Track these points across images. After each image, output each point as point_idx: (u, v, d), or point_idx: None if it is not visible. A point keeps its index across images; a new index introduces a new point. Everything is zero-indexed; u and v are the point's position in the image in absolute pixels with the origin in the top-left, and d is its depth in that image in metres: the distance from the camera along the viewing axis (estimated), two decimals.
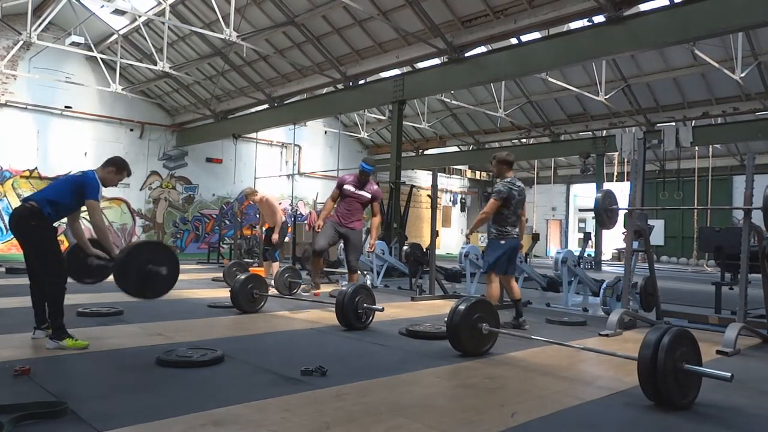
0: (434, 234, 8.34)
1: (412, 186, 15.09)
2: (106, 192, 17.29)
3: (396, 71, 13.27)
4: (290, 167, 21.36)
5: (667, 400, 3.09)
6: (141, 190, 18.20)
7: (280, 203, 20.99)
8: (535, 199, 26.39)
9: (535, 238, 12.45)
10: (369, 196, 6.68)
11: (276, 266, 8.96)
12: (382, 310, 5.53)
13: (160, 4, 12.65)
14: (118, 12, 13.37)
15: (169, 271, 4.32)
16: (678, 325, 4.22)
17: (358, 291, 5.44)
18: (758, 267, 5.31)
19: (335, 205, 6.78)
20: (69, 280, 4.38)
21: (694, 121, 15.63)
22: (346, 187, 6.60)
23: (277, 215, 9.21)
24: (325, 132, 22.21)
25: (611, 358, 4.00)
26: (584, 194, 25.36)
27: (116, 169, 4.63)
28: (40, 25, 12.64)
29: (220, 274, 9.60)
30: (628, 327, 5.69)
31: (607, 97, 14.69)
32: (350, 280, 6.30)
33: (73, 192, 4.38)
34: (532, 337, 4.76)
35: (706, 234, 8.77)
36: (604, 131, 17.93)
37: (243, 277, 6.32)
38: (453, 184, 27.45)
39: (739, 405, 3.27)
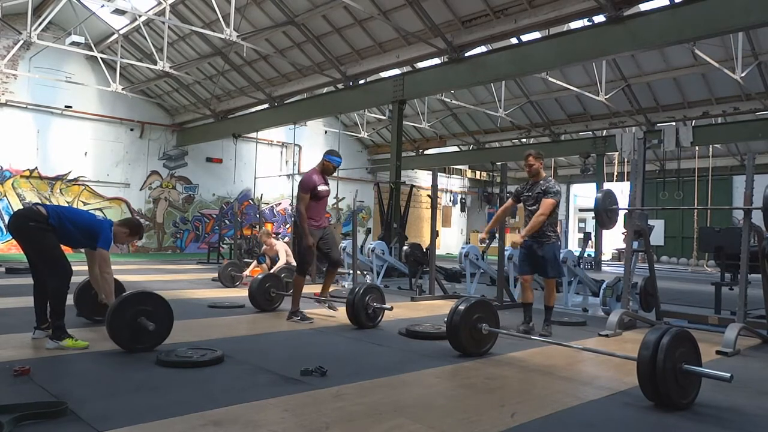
0: (434, 234, 8.34)
1: (412, 186, 15.09)
2: (106, 192, 17.14)
3: (396, 71, 13.26)
4: (290, 167, 21.37)
5: (666, 400, 3.09)
6: (141, 189, 18.20)
7: (279, 203, 21.04)
8: None
9: None
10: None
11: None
12: (390, 309, 5.59)
13: (160, 3, 12.65)
14: (118, 12, 13.35)
15: (159, 325, 4.17)
16: (678, 325, 4.22)
17: (368, 290, 5.53)
18: (758, 267, 5.31)
19: None
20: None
21: (694, 121, 15.62)
22: (320, 188, 5.97)
23: (282, 259, 9.13)
24: (326, 132, 22.21)
25: (611, 358, 4.00)
26: (584, 194, 25.37)
27: (130, 231, 4.78)
28: (40, 24, 12.63)
29: None
30: (627, 327, 5.70)
31: (607, 97, 14.68)
32: (333, 275, 6.32)
33: (85, 229, 4.44)
34: (532, 337, 4.77)
35: (706, 234, 8.77)
36: (604, 131, 17.92)
37: (261, 276, 6.63)
38: (453, 184, 27.45)
39: (738, 405, 3.28)
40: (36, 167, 16.03)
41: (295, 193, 20.86)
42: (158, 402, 2.99)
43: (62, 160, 16.51)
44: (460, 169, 27.24)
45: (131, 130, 18.01)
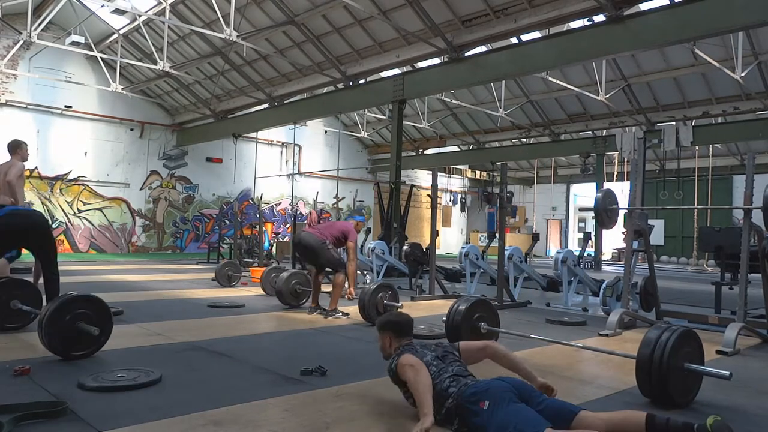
0: (434, 234, 8.33)
1: (412, 186, 15.10)
2: (106, 192, 17.11)
3: (396, 71, 13.26)
4: (290, 167, 21.37)
5: (666, 398, 3.09)
6: (141, 189, 18.20)
7: (279, 203, 21.05)
8: (535, 199, 26.41)
9: (535, 238, 12.44)
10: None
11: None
12: (401, 307, 5.65)
13: (160, 3, 12.65)
14: (118, 11, 13.35)
15: (102, 331, 3.91)
16: (678, 324, 4.22)
17: (380, 288, 5.68)
18: (758, 267, 5.31)
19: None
20: None
21: (694, 121, 15.62)
22: None
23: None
24: (326, 131, 22.22)
25: (611, 358, 4.00)
26: (584, 194, 25.38)
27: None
28: (40, 24, 12.63)
29: None
30: (627, 327, 5.70)
31: (607, 96, 14.68)
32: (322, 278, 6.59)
33: None
34: (532, 336, 4.76)
35: (706, 234, 8.77)
36: (605, 131, 17.92)
37: (287, 274, 6.88)
38: (453, 183, 27.45)
39: (738, 404, 3.28)
40: (36, 167, 16.02)
41: (296, 193, 20.60)
42: (158, 402, 2.98)
43: (62, 160, 16.51)
44: (460, 169, 27.24)
45: (131, 130, 18.01)
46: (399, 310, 5.76)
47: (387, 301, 5.67)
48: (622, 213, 6.08)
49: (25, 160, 6.29)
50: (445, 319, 4.37)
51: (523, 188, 27.42)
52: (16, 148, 6.21)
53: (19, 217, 4.49)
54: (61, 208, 16.51)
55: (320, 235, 6.13)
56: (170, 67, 13.65)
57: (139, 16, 12.72)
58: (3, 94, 15.46)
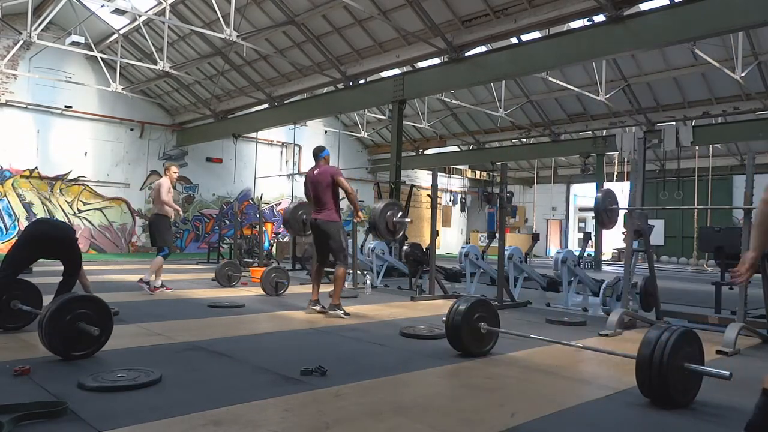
0: (434, 234, 8.33)
1: (412, 186, 15.08)
2: (106, 192, 17.19)
3: (396, 71, 13.26)
4: (290, 167, 21.37)
5: (666, 398, 3.09)
6: (141, 189, 18.19)
7: (279, 203, 21.04)
8: (535, 199, 26.41)
9: (535, 238, 12.44)
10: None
11: None
12: (410, 221, 6.24)
13: (160, 3, 12.65)
14: (118, 11, 13.35)
15: (102, 331, 3.91)
16: (678, 324, 4.22)
17: (387, 207, 6.36)
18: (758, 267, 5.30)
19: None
20: None
21: (694, 121, 15.62)
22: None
23: None
24: (326, 132, 22.21)
25: (611, 357, 4.00)
26: (584, 194, 25.39)
27: None
28: (40, 24, 12.63)
29: None
30: (627, 327, 5.69)
31: (607, 96, 14.68)
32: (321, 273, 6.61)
33: None
34: (532, 336, 4.76)
35: (706, 234, 8.77)
36: (605, 131, 17.93)
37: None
38: (453, 183, 27.45)
39: (738, 404, 3.27)
40: (36, 167, 16.03)
41: (296, 193, 20.56)
42: (158, 402, 2.98)
43: (62, 160, 16.51)
44: (460, 169, 27.25)
45: (131, 130, 18.01)
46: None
47: (396, 219, 6.16)
48: (622, 213, 6.09)
49: (172, 181, 8.18)
50: (444, 319, 4.36)
51: (523, 188, 27.42)
52: (165, 170, 8.30)
53: (47, 228, 4.69)
54: (61, 208, 16.51)
55: (330, 218, 6.17)
56: (170, 67, 13.64)
57: (139, 16, 12.72)
58: (3, 94, 15.46)
